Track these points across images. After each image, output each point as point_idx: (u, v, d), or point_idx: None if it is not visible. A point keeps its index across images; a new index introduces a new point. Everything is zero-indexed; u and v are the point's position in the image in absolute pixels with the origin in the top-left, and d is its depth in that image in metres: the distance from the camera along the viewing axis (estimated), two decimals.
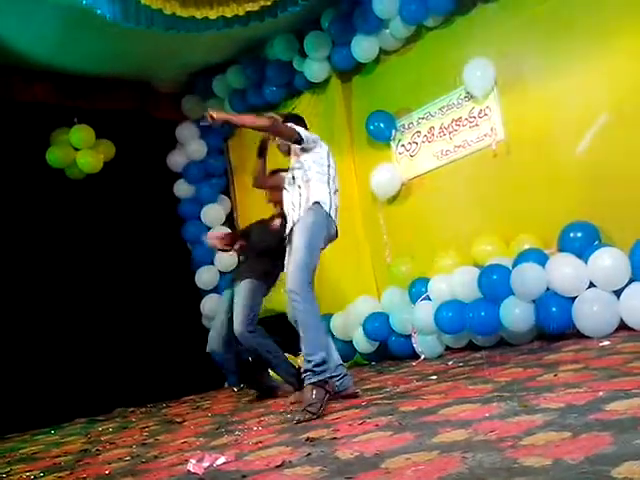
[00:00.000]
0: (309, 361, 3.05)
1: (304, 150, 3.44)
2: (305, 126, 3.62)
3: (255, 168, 3.89)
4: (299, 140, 3.39)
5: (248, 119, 3.57)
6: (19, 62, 5.59)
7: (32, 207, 5.75)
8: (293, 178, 3.46)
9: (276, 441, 2.43)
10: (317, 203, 3.32)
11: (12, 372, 5.26)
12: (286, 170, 3.67)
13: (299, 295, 3.10)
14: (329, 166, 3.47)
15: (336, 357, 3.41)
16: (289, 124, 3.46)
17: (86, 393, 5.51)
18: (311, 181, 3.37)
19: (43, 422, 5.10)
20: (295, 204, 3.39)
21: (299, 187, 3.40)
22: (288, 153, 3.62)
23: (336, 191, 3.46)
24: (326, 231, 3.34)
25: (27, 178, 5.75)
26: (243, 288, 4.10)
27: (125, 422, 4.52)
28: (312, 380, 3.02)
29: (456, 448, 1.73)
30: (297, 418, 2.88)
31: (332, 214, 3.37)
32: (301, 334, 3.14)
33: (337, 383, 3.29)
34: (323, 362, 3.06)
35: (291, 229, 3.37)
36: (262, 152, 3.81)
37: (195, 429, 3.38)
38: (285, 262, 3.43)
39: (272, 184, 3.98)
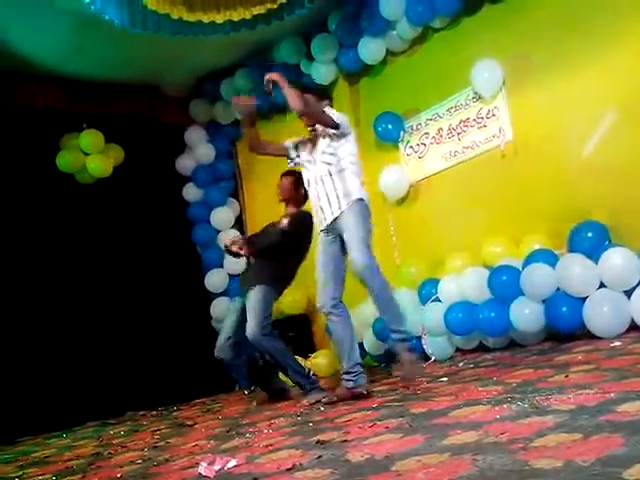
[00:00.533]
0: (401, 331, 3.33)
1: (337, 137, 3.45)
2: (329, 102, 3.68)
3: (248, 135, 3.75)
4: (336, 125, 3.42)
5: (293, 93, 3.39)
6: (28, 68, 5.64)
7: (43, 212, 5.78)
8: (314, 155, 3.52)
9: (287, 444, 2.43)
10: (361, 200, 3.42)
11: (24, 376, 5.29)
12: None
13: (371, 274, 3.28)
14: (357, 158, 3.54)
15: (357, 355, 3.49)
16: (327, 110, 3.48)
17: (97, 397, 5.54)
18: (345, 171, 3.44)
19: (55, 426, 5.13)
20: (331, 196, 3.43)
21: (330, 174, 3.44)
22: (311, 125, 3.59)
23: (363, 183, 3.56)
24: (370, 224, 3.49)
25: (37, 183, 5.80)
26: (254, 298, 4.00)
27: (136, 425, 4.53)
28: (407, 346, 3.34)
29: (467, 450, 1.72)
30: (405, 375, 3.37)
31: (369, 207, 3.50)
32: (382, 310, 3.36)
33: (353, 378, 3.37)
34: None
35: (334, 220, 3.43)
36: (253, 123, 3.69)
37: (206, 432, 3.38)
38: (323, 253, 3.51)
39: (272, 151, 3.84)
